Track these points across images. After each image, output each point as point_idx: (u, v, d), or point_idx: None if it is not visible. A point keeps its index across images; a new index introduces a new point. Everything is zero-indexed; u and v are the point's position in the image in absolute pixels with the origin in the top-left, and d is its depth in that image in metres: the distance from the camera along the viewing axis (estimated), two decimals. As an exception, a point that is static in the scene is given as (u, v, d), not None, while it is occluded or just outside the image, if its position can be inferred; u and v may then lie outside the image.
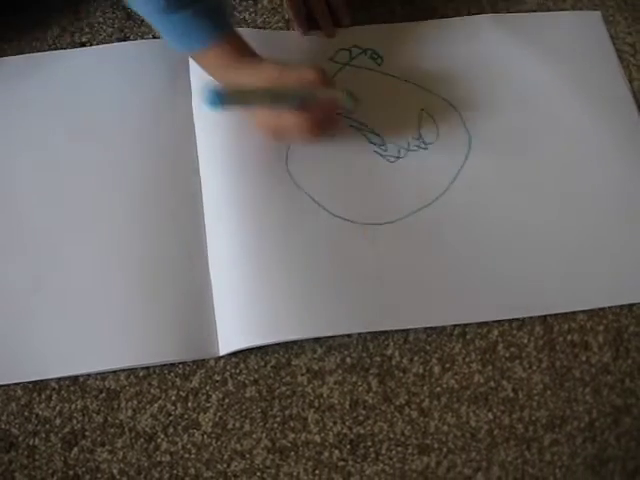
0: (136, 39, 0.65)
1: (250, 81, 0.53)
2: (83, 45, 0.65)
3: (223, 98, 0.51)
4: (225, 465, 0.52)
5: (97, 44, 0.65)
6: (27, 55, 0.63)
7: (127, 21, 0.66)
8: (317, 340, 0.55)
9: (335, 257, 0.55)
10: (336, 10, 0.63)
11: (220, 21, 0.54)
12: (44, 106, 0.60)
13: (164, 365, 0.54)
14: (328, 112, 0.55)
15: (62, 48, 0.65)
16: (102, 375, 0.54)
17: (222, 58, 0.54)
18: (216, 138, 0.59)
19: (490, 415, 0.53)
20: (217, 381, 0.54)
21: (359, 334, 0.55)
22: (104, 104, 0.61)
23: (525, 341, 0.55)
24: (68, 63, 0.63)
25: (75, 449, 0.52)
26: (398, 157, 0.58)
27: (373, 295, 0.54)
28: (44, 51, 0.64)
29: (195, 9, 0.51)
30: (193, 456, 0.52)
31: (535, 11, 0.67)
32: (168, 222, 0.57)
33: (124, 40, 0.65)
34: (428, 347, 0.55)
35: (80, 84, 0.62)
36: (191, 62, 0.61)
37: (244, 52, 0.55)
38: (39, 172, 0.58)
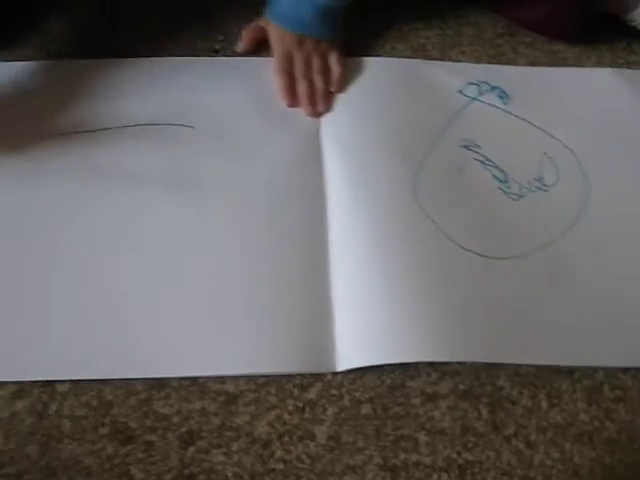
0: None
1: None
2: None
3: None
4: (337, 478, 0.53)
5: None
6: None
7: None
8: (432, 364, 0.56)
9: (455, 286, 0.57)
10: (316, 93, 0.63)
11: None
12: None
13: (283, 375, 0.55)
14: None
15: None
16: (221, 379, 0.55)
17: None
18: (344, 164, 0.60)
19: (593, 454, 0.55)
20: (333, 395, 0.55)
21: (472, 363, 0.57)
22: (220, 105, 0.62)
23: (629, 384, 0.57)
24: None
25: (191, 448, 0.53)
26: (520, 195, 0.60)
27: (489, 327, 0.56)
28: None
29: None
30: (307, 466, 0.53)
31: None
32: (294, 239, 0.58)
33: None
34: (537, 381, 0.57)
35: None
36: None
37: None
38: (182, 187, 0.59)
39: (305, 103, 0.62)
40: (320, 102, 0.62)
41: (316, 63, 0.63)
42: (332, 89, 0.63)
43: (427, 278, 0.57)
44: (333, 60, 0.63)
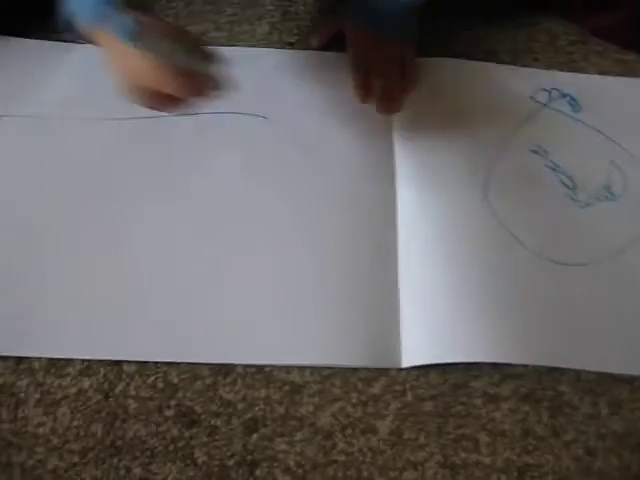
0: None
1: None
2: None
3: (139, 33, 0.46)
4: (397, 473, 0.53)
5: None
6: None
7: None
8: (495, 366, 0.57)
9: (522, 289, 0.57)
10: (391, 92, 0.63)
11: None
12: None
13: (348, 368, 0.56)
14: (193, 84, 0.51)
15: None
16: (287, 368, 0.56)
17: None
18: (415, 163, 0.61)
19: (651, 463, 0.55)
20: (397, 391, 0.55)
21: (535, 366, 0.57)
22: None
23: (690, 397, 0.57)
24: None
25: (255, 435, 0.54)
26: (587, 204, 0.60)
27: (553, 331, 0.56)
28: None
29: None
30: (368, 460, 0.54)
31: None
32: (363, 235, 0.59)
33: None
34: (598, 388, 0.57)
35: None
36: None
37: None
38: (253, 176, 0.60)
39: (379, 101, 0.63)
40: (394, 100, 0.63)
41: (391, 62, 0.63)
42: (407, 88, 0.63)
43: (494, 280, 0.57)
44: (408, 59, 0.64)
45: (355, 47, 0.64)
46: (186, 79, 0.50)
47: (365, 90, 0.63)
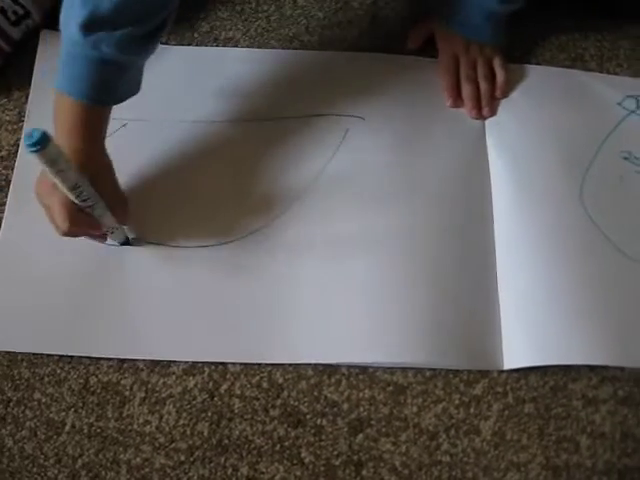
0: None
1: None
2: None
3: (47, 144, 0.42)
4: (501, 474, 0.54)
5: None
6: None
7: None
8: (593, 369, 0.57)
9: (618, 293, 0.58)
10: (482, 97, 0.65)
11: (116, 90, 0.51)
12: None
13: (450, 370, 0.56)
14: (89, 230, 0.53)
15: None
16: (391, 369, 0.56)
17: (79, 118, 0.50)
18: (509, 168, 0.62)
19: None
20: (498, 393, 0.56)
21: (632, 369, 0.57)
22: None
23: None
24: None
25: (360, 435, 0.54)
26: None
27: (650, 335, 0.57)
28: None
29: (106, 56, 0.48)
30: (472, 460, 0.54)
31: None
32: (462, 238, 0.59)
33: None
34: (696, 392, 0.58)
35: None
36: None
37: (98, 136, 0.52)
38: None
39: (470, 106, 0.63)
40: (485, 106, 0.63)
41: (481, 67, 0.64)
42: (497, 94, 0.64)
43: (590, 283, 0.58)
44: (497, 65, 0.65)
45: (445, 51, 0.65)
46: (64, 209, 0.49)
47: (455, 94, 0.64)
